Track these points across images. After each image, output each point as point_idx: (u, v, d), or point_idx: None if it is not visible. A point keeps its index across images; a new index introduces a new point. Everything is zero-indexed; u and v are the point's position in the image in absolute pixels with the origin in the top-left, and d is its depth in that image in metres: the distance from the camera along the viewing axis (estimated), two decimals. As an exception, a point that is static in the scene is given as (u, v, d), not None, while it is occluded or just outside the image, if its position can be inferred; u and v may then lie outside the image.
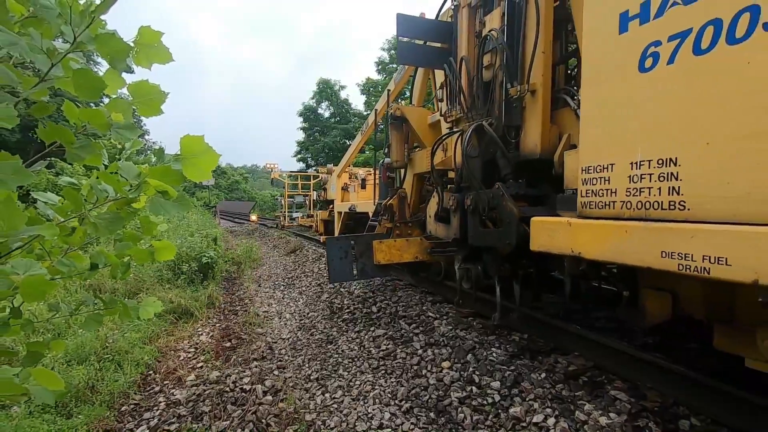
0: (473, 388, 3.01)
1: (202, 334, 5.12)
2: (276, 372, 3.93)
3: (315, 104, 42.04)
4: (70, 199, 1.41)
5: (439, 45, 4.76)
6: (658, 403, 2.57)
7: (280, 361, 4.25)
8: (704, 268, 1.70)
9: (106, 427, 3.11)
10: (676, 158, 1.90)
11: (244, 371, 3.86)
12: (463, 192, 3.79)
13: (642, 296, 2.43)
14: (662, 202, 1.93)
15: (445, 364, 3.44)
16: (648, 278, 2.43)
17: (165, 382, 3.85)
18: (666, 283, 2.35)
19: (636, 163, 2.07)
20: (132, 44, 1.32)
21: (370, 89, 35.88)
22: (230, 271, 9.37)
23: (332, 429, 2.94)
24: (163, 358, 4.42)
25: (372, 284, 6.57)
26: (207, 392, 3.48)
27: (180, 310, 5.79)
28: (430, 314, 4.64)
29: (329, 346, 4.45)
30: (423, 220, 5.11)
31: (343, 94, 42.04)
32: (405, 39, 4.65)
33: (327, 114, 42.41)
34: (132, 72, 1.61)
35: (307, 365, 4.10)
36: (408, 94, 6.97)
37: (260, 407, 3.19)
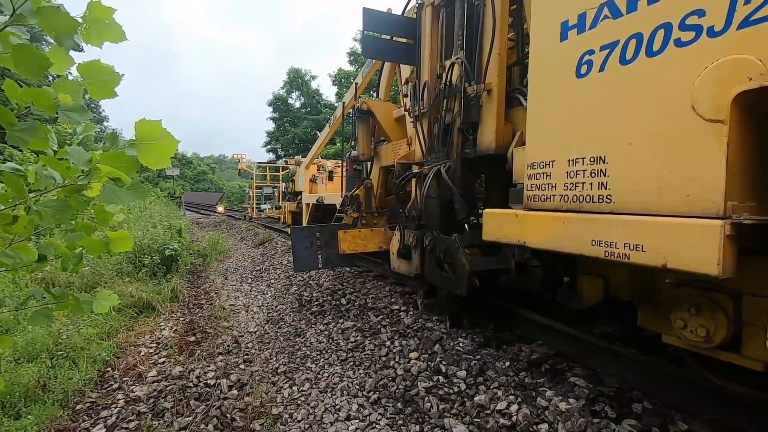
0: (440, 377, 3.06)
1: (164, 329, 4.95)
2: (242, 366, 3.85)
3: (285, 94, 41.21)
4: (11, 185, 1.31)
5: (404, 41, 4.78)
6: (614, 387, 2.69)
7: (247, 354, 4.17)
8: (625, 254, 1.91)
9: (59, 427, 2.96)
10: (604, 156, 2.09)
11: (209, 366, 3.76)
12: (422, 230, 3.93)
13: (579, 281, 2.67)
14: (593, 195, 2.13)
15: (413, 354, 3.48)
16: (583, 265, 2.66)
17: (124, 379, 3.70)
18: (598, 269, 2.58)
19: (572, 160, 2.25)
20: (80, 20, 1.24)
21: (341, 80, 35.48)
22: (195, 263, 9.09)
23: (299, 422, 2.91)
24: (122, 354, 4.25)
25: (342, 276, 6.54)
26: (169, 388, 3.37)
27: (141, 304, 5.57)
28: (399, 306, 4.66)
29: (297, 339, 4.41)
30: (388, 210, 5.18)
31: (314, 85, 41.43)
32: (371, 33, 4.66)
33: (297, 104, 41.68)
34: (81, 50, 1.51)
35: (274, 358, 4.04)
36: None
37: (225, 402, 3.13)
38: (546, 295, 3.04)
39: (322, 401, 3.11)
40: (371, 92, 8.05)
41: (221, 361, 3.90)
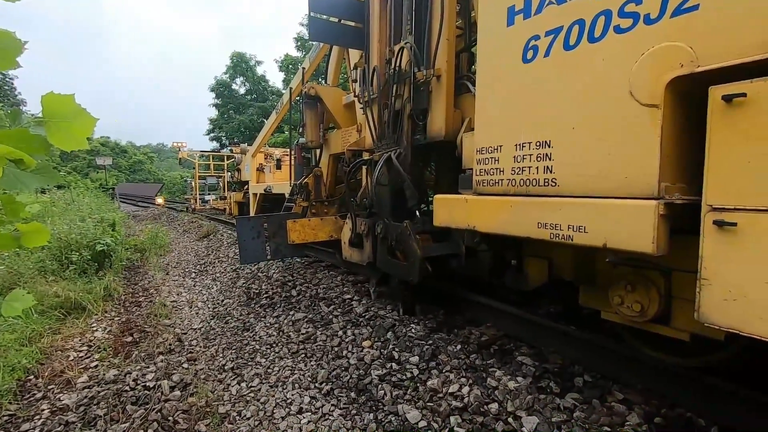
0: (393, 364, 3.05)
1: (96, 330, 4.57)
2: (185, 365, 3.64)
3: (228, 80, 39.29)
4: None
5: (353, 24, 4.63)
6: (558, 364, 2.82)
7: (191, 353, 3.95)
8: (569, 236, 1.99)
9: (-30, 446, 2.64)
10: (549, 141, 2.14)
11: (148, 367, 3.51)
12: (374, 218, 3.88)
13: (525, 263, 2.78)
14: (539, 179, 2.19)
15: (366, 343, 3.45)
16: (529, 247, 2.77)
17: (50, 387, 3.37)
18: (543, 251, 2.69)
19: (519, 144, 2.30)
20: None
21: (288, 66, 34.36)
22: (132, 259, 8.48)
23: (248, 419, 2.80)
24: (47, 360, 3.86)
25: (292, 267, 6.37)
26: (102, 394, 3.11)
27: (69, 304, 5.09)
28: (351, 295, 4.61)
29: (246, 334, 4.23)
30: (338, 199, 5.09)
31: (260, 70, 39.83)
32: (318, 15, 4.48)
33: (242, 91, 39.92)
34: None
35: (221, 355, 3.85)
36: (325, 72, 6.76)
37: (166, 404, 2.93)
38: (493, 279, 3.13)
39: (273, 396, 3.01)
40: (320, 78, 7.79)
41: (162, 361, 3.66)
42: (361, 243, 4.26)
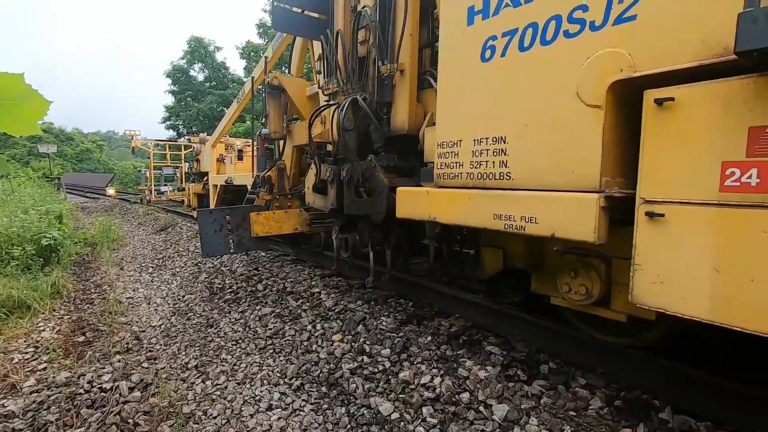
0: (364, 357, 3.04)
1: (44, 330, 4.26)
2: (145, 364, 3.47)
3: (186, 65, 37.54)
4: None
5: (317, 15, 4.58)
6: (525, 353, 2.91)
7: (151, 351, 3.77)
8: (522, 226, 2.12)
9: None
10: (505, 137, 2.26)
11: (104, 368, 3.32)
12: (339, 164, 3.86)
13: (481, 253, 2.92)
14: (495, 173, 2.31)
15: (336, 337, 3.42)
16: (485, 238, 2.92)
17: (-8, 393, 3.11)
18: (498, 241, 2.84)
19: (478, 140, 2.41)
20: None
21: (250, 54, 33.29)
22: (82, 254, 7.99)
23: (215, 418, 2.71)
24: (-13, 363, 3.57)
25: (257, 260, 6.22)
26: (53, 397, 2.90)
27: (11, 303, 4.72)
28: (319, 289, 4.56)
29: (210, 330, 4.09)
30: (303, 192, 5.01)
31: (219, 57, 38.34)
32: (281, 5, 4.41)
33: (201, 77, 38.29)
34: None
35: (183, 353, 3.71)
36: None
37: (126, 406, 2.78)
38: (454, 269, 3.19)
39: (241, 393, 2.92)
40: (284, 67, 7.57)
41: (119, 361, 3.47)
42: (326, 189, 4.21)
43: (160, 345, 3.92)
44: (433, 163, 2.78)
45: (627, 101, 1.83)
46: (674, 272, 1.61)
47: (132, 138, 19.17)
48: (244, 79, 33.29)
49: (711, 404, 2.14)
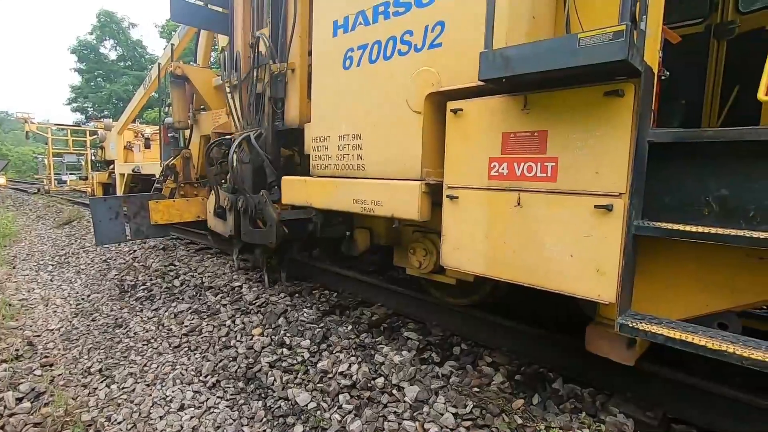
0: (284, 350, 3.01)
1: None
2: (38, 372, 3.14)
3: (95, 41, 33.89)
4: None
5: (220, 9, 4.55)
6: (439, 336, 3.06)
7: (46, 357, 3.42)
8: (372, 209, 2.56)
9: None
10: (360, 134, 2.69)
11: (-14, 378, 2.96)
12: (237, 193, 4.08)
13: (354, 234, 3.35)
14: (354, 164, 2.73)
15: (256, 330, 3.35)
16: (356, 221, 3.36)
17: None
18: (365, 223, 3.30)
19: (341, 135, 2.82)
20: None
21: (171, 33, 30.80)
22: (-37, 251, 6.98)
23: (120, 423, 2.54)
24: None
25: (174, 255, 5.87)
26: None
27: None
28: (240, 283, 4.42)
29: (118, 331, 3.80)
30: (208, 183, 5.09)
31: (135, 34, 35.08)
32: None
33: (113, 56, 34.83)
34: None
35: (86, 356, 3.41)
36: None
37: (11, 419, 2.51)
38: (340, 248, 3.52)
39: (150, 395, 2.76)
40: (192, 57, 7.18)
41: (5, 370, 3.11)
42: (224, 215, 4.40)
43: (59, 349, 3.57)
44: (309, 155, 3.14)
45: (439, 110, 2.28)
46: (464, 240, 2.14)
47: (26, 122, 16.93)
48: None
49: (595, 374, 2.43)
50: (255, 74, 3.93)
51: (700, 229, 1.57)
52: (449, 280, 2.79)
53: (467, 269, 2.16)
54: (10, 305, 4.57)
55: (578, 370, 2.46)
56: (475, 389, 2.37)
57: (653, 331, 1.61)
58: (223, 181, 4.51)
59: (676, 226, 1.63)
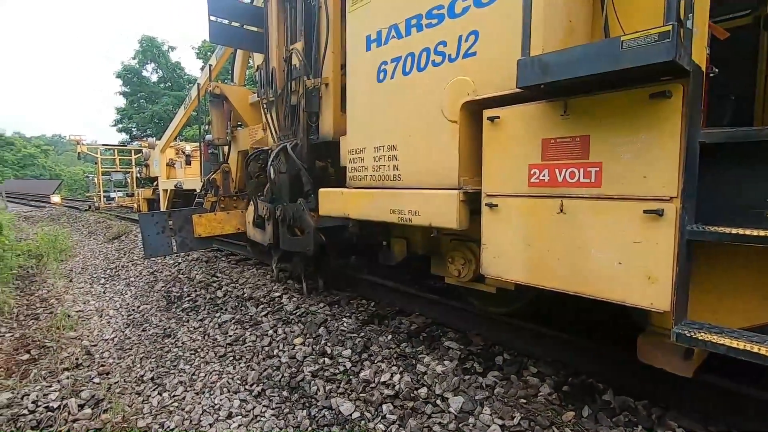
0: (325, 359, 3.06)
1: (-17, 350, 4.00)
2: (96, 380, 3.33)
3: (138, 65, 35.92)
4: None
5: (255, 29, 4.77)
6: (481, 346, 3.02)
7: (103, 366, 3.61)
8: (409, 219, 2.60)
9: None
10: (396, 145, 2.74)
11: (50, 386, 3.16)
12: (274, 203, 4.21)
13: (391, 243, 3.38)
14: (390, 175, 2.78)
15: (298, 340, 3.42)
16: (393, 230, 3.37)
17: (-77, 420, 2.89)
18: (402, 232, 3.32)
19: (377, 147, 2.87)
20: None
21: (207, 54, 32.23)
22: (26, 266, 7.50)
23: (173, 430, 2.64)
24: None
25: (216, 267, 6.08)
26: (-6, 421, 2.74)
27: (-56, 322, 4.39)
28: (280, 293, 4.52)
29: (167, 341, 3.97)
30: (248, 200, 5.29)
31: (174, 57, 36.93)
32: (218, 19, 4.60)
33: (155, 78, 36.74)
34: None
35: (138, 365, 3.58)
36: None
37: (75, 425, 2.67)
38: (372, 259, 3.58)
39: (199, 403, 2.87)
40: (228, 76, 7.56)
41: (68, 378, 3.31)
42: (264, 224, 4.54)
43: (114, 359, 3.77)
44: (346, 167, 3.20)
45: (475, 118, 2.27)
46: (505, 248, 2.11)
47: (78, 143, 18.13)
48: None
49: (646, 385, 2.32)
50: (289, 87, 4.08)
51: (762, 233, 1.49)
52: (489, 288, 2.76)
53: (509, 278, 2.12)
54: (69, 316, 4.87)
55: (630, 381, 2.37)
56: (522, 400, 2.32)
57: (714, 341, 1.53)
58: (260, 193, 4.68)
59: (735, 230, 1.55)
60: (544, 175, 1.94)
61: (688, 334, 1.58)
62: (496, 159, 2.13)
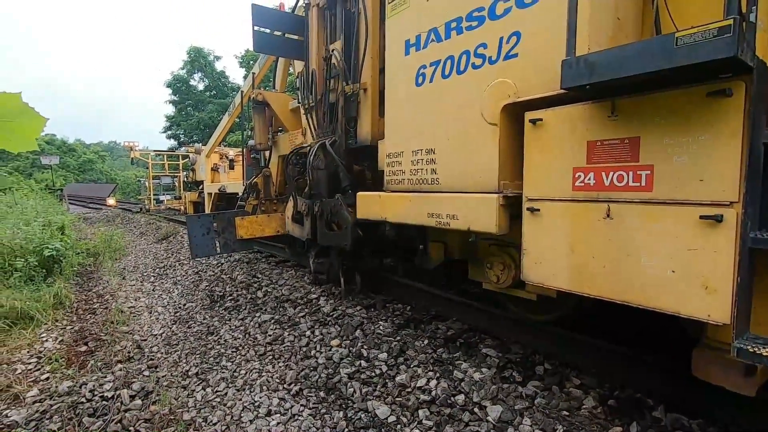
0: (362, 362, 3.08)
1: (47, 340, 4.31)
2: (146, 372, 3.51)
3: (186, 75, 37.84)
4: None
5: (296, 37, 4.95)
6: (520, 354, 2.94)
7: (152, 360, 3.81)
8: (447, 223, 2.55)
9: None
10: (434, 148, 2.72)
11: (105, 377, 3.36)
12: (313, 199, 4.27)
13: (428, 247, 3.30)
14: (428, 179, 2.77)
15: (334, 342, 3.46)
16: (430, 234, 3.28)
17: (-5, 403, 3.15)
18: (440, 236, 3.23)
19: (415, 151, 2.87)
20: None
21: (249, 62, 33.48)
22: (85, 264, 8.04)
23: (215, 424, 2.74)
24: (-9, 374, 3.61)
25: (257, 268, 6.27)
26: (55, 407, 2.95)
27: (15, 314, 4.77)
28: (317, 295, 4.60)
29: (210, 338, 4.13)
30: (287, 198, 5.39)
31: (219, 66, 38.63)
32: (261, 29, 4.79)
33: (201, 87, 38.56)
34: None
35: (184, 361, 3.74)
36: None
37: (126, 414, 2.82)
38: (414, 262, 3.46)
39: (240, 400, 2.96)
40: (270, 83, 7.88)
41: (121, 369, 3.51)
42: (302, 220, 4.62)
43: (162, 353, 3.96)
44: (383, 171, 3.22)
45: (516, 120, 2.23)
46: (547, 254, 2.04)
47: (131, 149, 19.38)
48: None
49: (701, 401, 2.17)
50: (328, 85, 4.18)
51: (838, 241, 1.36)
52: (529, 295, 2.68)
53: (551, 284, 2.04)
54: (122, 312, 5.17)
55: (683, 397, 2.22)
56: (564, 413, 2.23)
57: (782, 358, 1.41)
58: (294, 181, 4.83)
59: (804, 238, 1.43)
60: (589, 179, 1.87)
61: (750, 350, 1.47)
62: (538, 162, 2.07)
